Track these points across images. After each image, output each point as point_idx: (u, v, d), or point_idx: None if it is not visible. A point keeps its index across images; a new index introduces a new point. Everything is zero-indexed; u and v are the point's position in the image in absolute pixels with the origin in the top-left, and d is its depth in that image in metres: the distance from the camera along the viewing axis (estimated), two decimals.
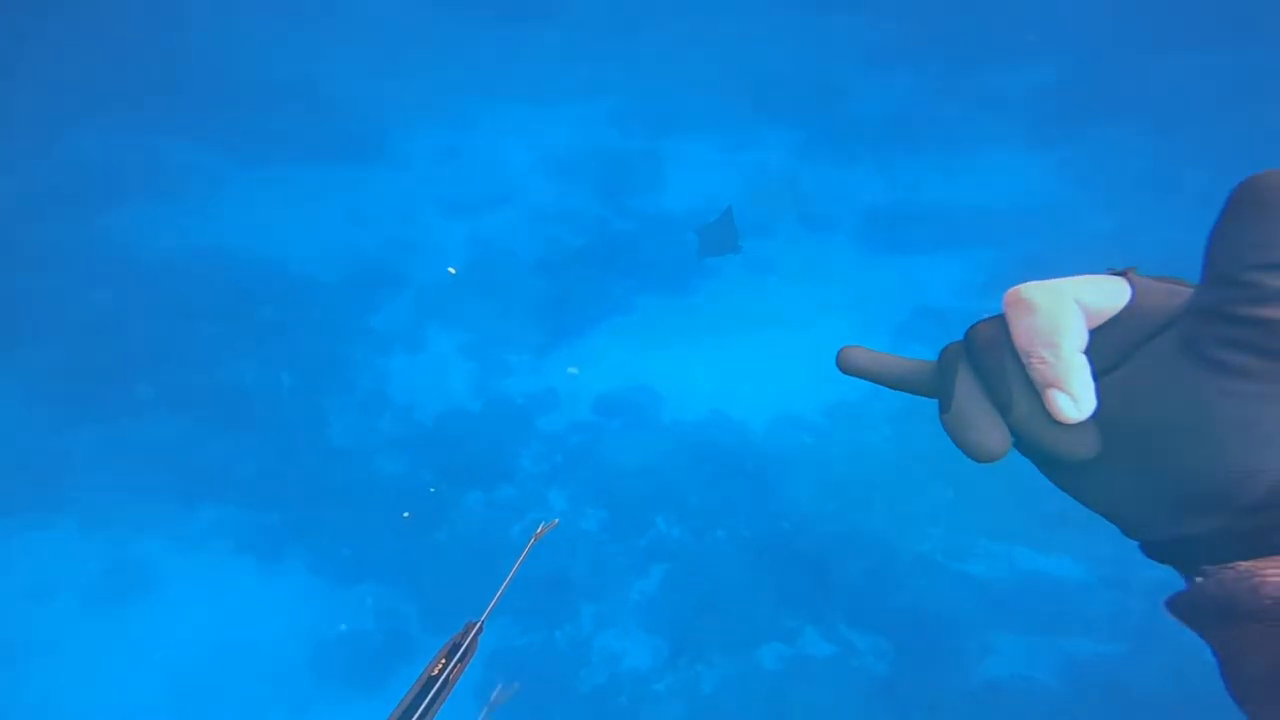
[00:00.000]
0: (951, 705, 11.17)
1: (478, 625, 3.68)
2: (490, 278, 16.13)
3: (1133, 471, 0.89)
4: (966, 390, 0.99)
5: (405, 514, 12.63)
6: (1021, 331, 0.90)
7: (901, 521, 12.76)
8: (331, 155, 18.87)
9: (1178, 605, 0.93)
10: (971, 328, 1.01)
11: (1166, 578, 1.00)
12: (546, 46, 21.91)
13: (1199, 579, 0.88)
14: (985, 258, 16.93)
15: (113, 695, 11.11)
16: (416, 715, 3.03)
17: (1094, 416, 0.87)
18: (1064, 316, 0.86)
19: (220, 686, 11.15)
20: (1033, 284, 0.90)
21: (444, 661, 3.40)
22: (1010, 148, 19.82)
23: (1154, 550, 0.95)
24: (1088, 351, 0.87)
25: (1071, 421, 0.87)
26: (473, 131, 19.42)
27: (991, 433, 0.96)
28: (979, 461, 1.02)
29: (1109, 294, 0.88)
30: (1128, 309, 0.88)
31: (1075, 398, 0.86)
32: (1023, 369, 0.90)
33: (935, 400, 1.09)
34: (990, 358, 0.95)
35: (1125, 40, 21.95)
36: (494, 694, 3.78)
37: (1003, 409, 0.95)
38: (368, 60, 21.30)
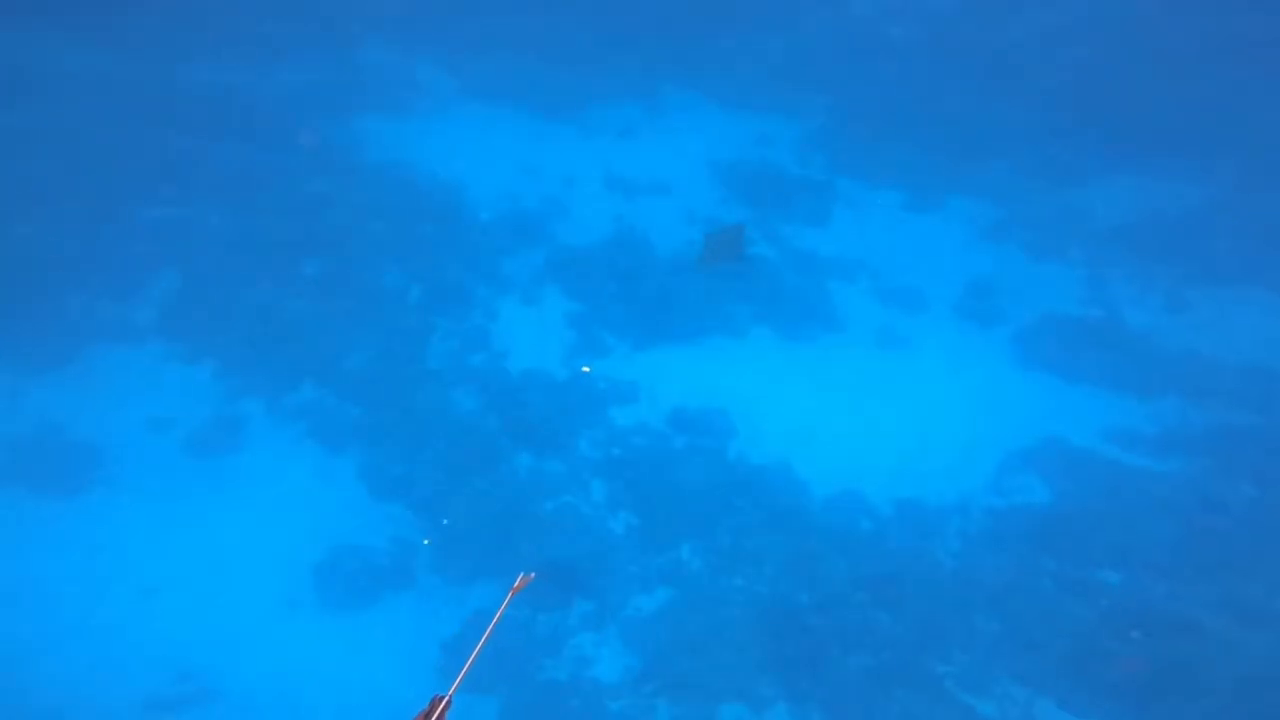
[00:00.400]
0: None
1: (445, 699, 3.64)
2: (621, 260, 16.41)
3: None
4: None
5: (426, 541, 12.79)
6: None
7: (926, 634, 11.85)
8: (541, 108, 19.90)
9: None
10: None
11: None
12: (764, 55, 21.70)
13: None
14: (1168, 409, 15.00)
15: (161, 527, 12.60)
16: None
17: None
18: None
19: (239, 554, 12.28)
20: None
21: None
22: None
23: None
24: None
25: None
26: (659, 116, 19.73)
27: None
28: None
29: None
30: None
31: None
32: None
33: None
34: None
35: None
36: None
37: None
38: (608, 27, 22.01)
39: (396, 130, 19.11)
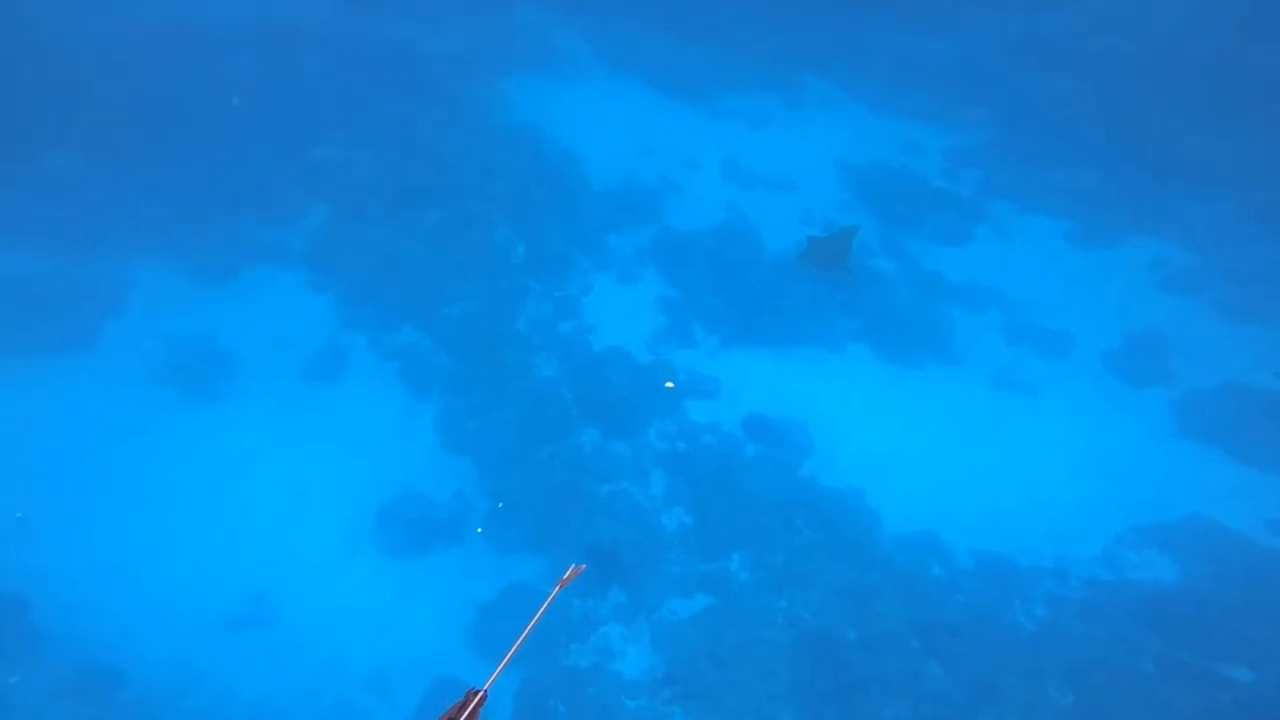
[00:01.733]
0: None
1: (481, 694, 3.59)
2: (728, 250, 15.83)
3: None
4: None
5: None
6: None
7: (983, 694, 10.75)
8: (674, 87, 19.55)
9: None
10: None
11: None
12: (926, 57, 20.16)
13: None
14: None
15: (266, 447, 13.42)
16: None
17: None
18: None
19: (320, 484, 12.87)
20: None
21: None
22: None
23: None
24: None
25: None
26: (796, 109, 18.83)
27: None
28: None
29: None
30: None
31: None
32: None
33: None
34: None
35: None
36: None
37: None
38: (758, 10, 21.32)
39: (532, 93, 19.37)
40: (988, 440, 13.85)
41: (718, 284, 15.32)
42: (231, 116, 18.24)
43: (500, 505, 12.54)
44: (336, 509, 12.70)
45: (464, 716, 3.25)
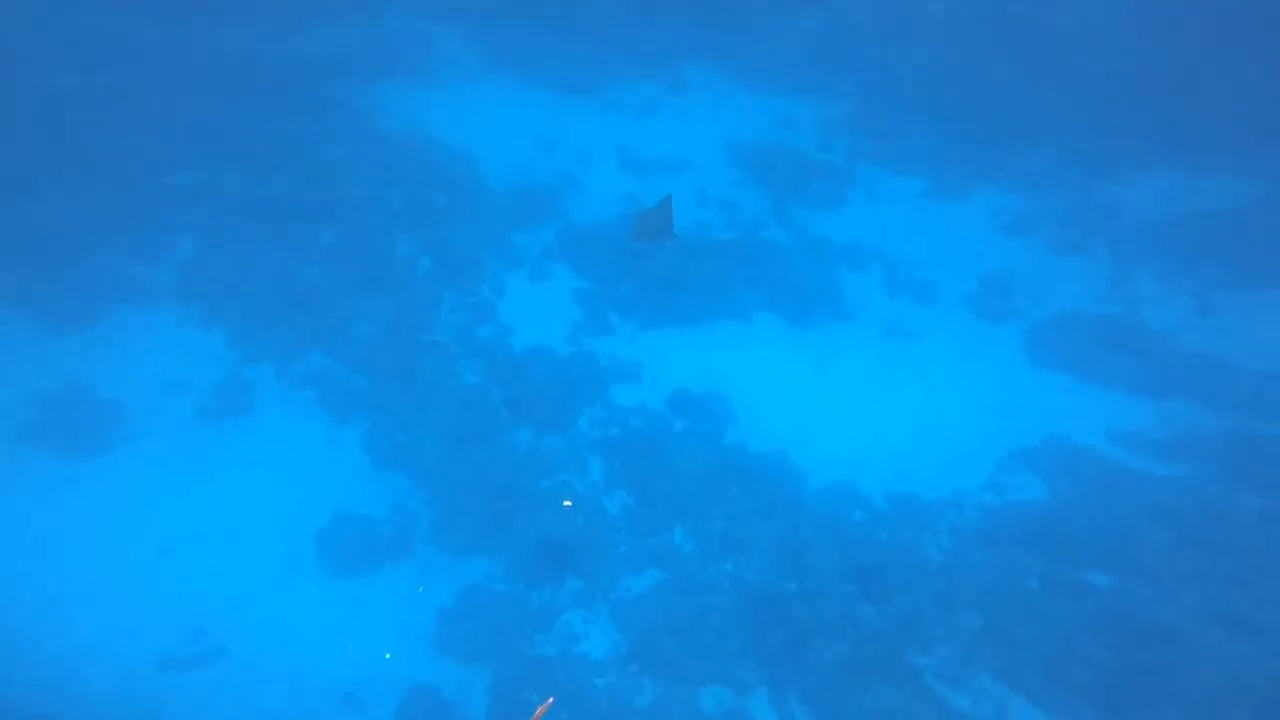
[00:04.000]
0: None
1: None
2: (635, 242, 16.02)
3: None
4: None
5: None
6: None
7: (909, 627, 11.68)
8: (560, 83, 19.33)
9: None
10: None
11: None
12: (795, 36, 20.88)
13: None
14: (1181, 413, 14.44)
15: (175, 487, 12.63)
16: None
17: None
18: None
19: (248, 516, 12.33)
20: None
21: None
22: None
23: None
24: None
25: None
26: (679, 95, 19.14)
27: None
28: None
29: None
30: None
31: None
32: None
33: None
34: None
35: None
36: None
37: None
38: (634, 3, 21.24)
39: (416, 99, 18.73)
40: (884, 387, 14.79)
41: (627, 270, 15.51)
42: (66, 143, 16.46)
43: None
44: (272, 539, 12.19)
45: None
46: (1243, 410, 14.31)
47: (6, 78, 17.18)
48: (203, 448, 13.10)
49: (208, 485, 12.67)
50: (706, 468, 13.19)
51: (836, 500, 13.09)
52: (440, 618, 11.56)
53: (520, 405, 13.70)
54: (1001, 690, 11.13)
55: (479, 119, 18.18)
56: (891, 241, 17.19)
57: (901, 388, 14.84)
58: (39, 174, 15.85)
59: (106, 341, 14.12)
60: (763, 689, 11.14)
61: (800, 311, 15.50)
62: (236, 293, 14.92)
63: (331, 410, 13.67)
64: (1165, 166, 18.69)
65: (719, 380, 14.29)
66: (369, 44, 19.58)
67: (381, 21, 20.07)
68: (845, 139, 18.95)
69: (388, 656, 11.15)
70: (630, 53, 19.89)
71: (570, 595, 11.88)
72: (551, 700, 3.66)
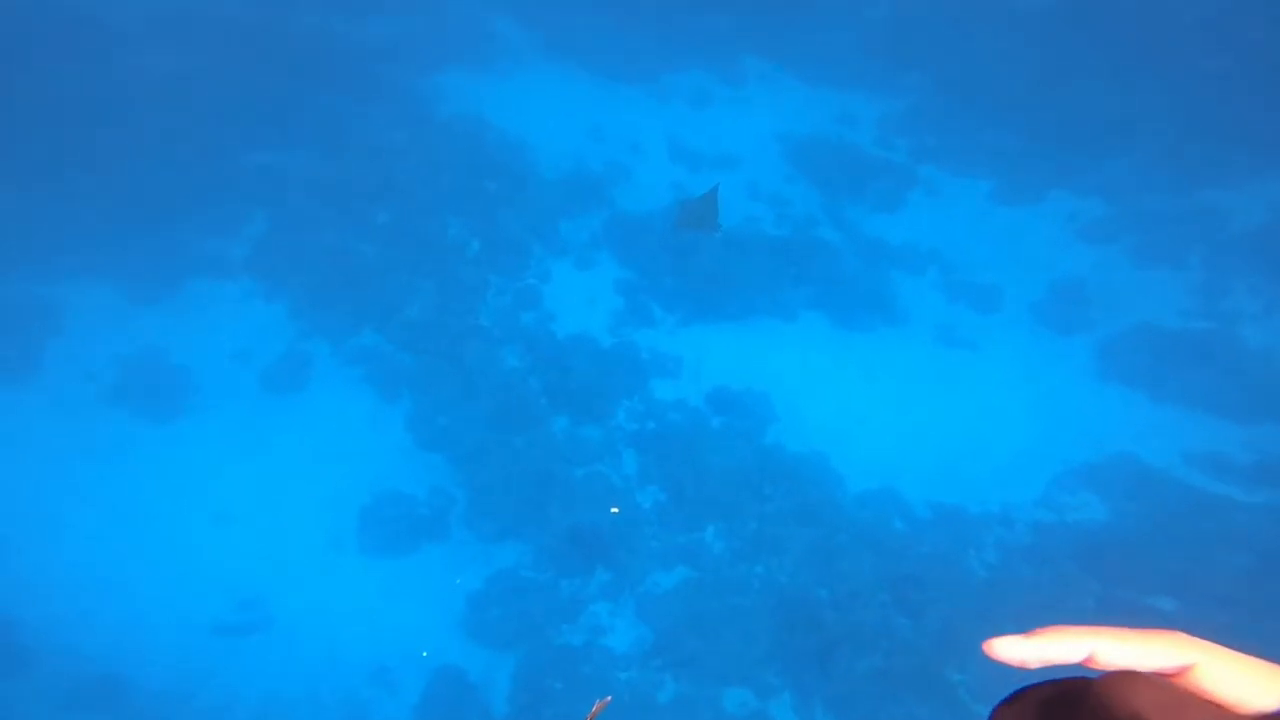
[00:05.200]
0: None
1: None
2: (678, 231, 16.12)
3: None
4: None
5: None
6: None
7: (946, 641, 11.49)
8: (614, 71, 19.49)
9: None
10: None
11: None
12: (861, 26, 20.57)
13: None
14: (1269, 437, 13.79)
15: (234, 457, 13.30)
16: None
17: None
18: None
19: (298, 490, 12.84)
20: None
21: None
22: None
23: None
24: None
25: None
26: (734, 86, 19.05)
27: None
28: None
29: None
30: None
31: None
32: None
33: None
34: None
35: None
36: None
37: None
38: None
39: (472, 85, 19.08)
40: (935, 395, 14.56)
41: (672, 263, 15.58)
42: (153, 121, 17.44)
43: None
44: (318, 514, 12.67)
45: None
46: None
47: (104, 57, 18.27)
48: (262, 419, 13.66)
49: (264, 457, 13.22)
50: (742, 467, 13.21)
51: (876, 507, 12.97)
52: (469, 602, 11.89)
53: (559, 393, 13.93)
54: None
55: (532, 106, 18.46)
56: (952, 245, 16.82)
57: (953, 396, 14.57)
58: (129, 151, 16.82)
59: (182, 310, 14.80)
60: (787, 693, 11.15)
61: (849, 313, 15.33)
62: (299, 268, 15.47)
63: (379, 388, 14.12)
64: (1267, 176, 17.66)
65: (760, 379, 14.24)
66: (430, 30, 20.02)
67: (443, 8, 20.60)
68: (908, 137, 18.63)
69: (425, 655, 11.45)
70: (687, 43, 19.87)
71: (598, 587, 12.06)
72: (609, 699, 3.77)
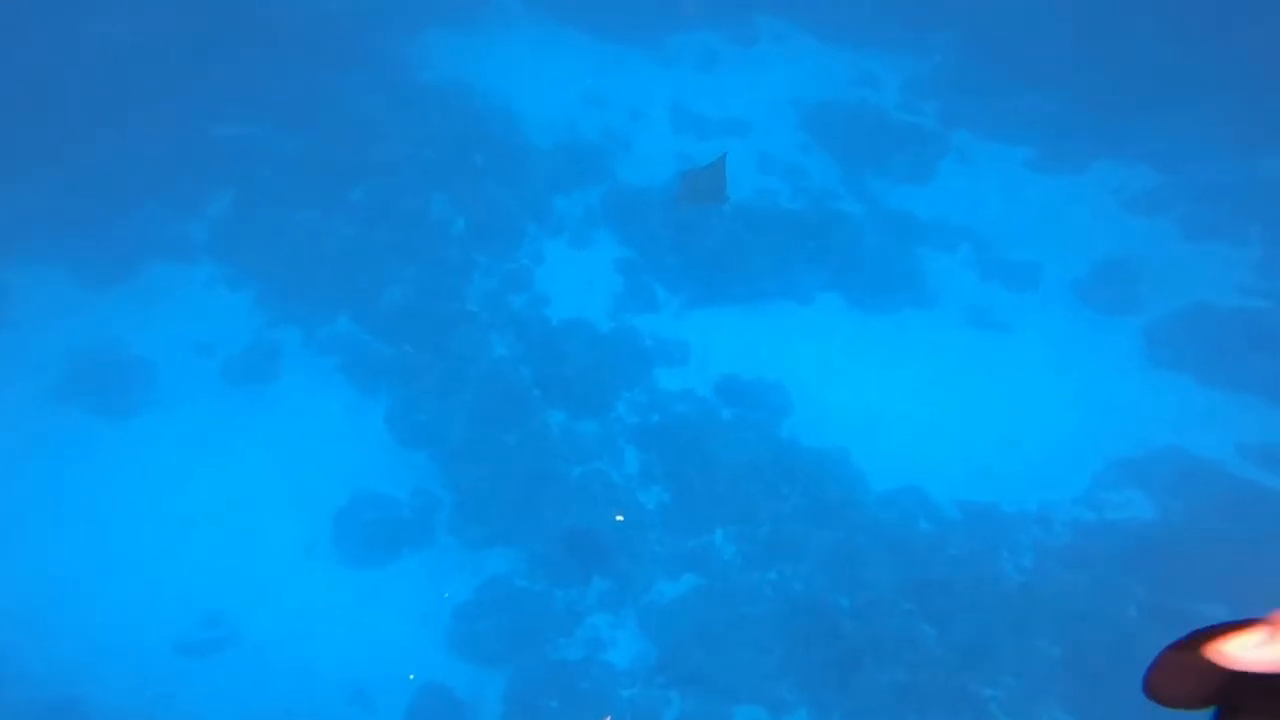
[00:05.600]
0: None
1: None
2: (683, 205, 15.73)
3: None
4: None
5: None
6: None
7: (975, 653, 11.24)
8: (614, 31, 19.01)
9: None
10: None
11: None
12: None
13: None
14: None
15: (199, 455, 13.02)
16: None
17: None
18: None
19: (267, 491, 12.57)
20: None
21: None
22: None
23: None
24: None
25: None
26: (745, 46, 18.60)
27: None
28: None
29: None
30: None
31: None
32: None
33: None
34: None
35: None
36: None
37: None
38: None
39: (457, 47, 18.65)
40: (966, 383, 14.20)
41: (676, 241, 15.21)
42: (108, 92, 17.08)
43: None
44: (290, 518, 12.43)
45: None
46: None
47: (56, 23, 17.92)
48: (228, 415, 13.42)
49: (230, 455, 12.98)
50: (755, 463, 12.87)
51: (901, 507, 12.64)
52: (457, 613, 11.64)
53: (553, 384, 13.61)
54: None
55: (523, 70, 18.01)
56: (986, 219, 16.40)
57: (985, 384, 14.21)
58: (82, 124, 16.49)
59: (140, 297, 14.55)
60: (803, 710, 10.90)
61: (871, 294, 14.95)
62: (267, 251, 15.19)
63: (356, 381, 13.83)
64: None
65: (774, 367, 13.90)
66: None
67: None
68: (936, 100, 18.13)
69: (411, 678, 11.21)
70: None
71: (597, 596, 11.79)
72: (609, 718, 3.64)
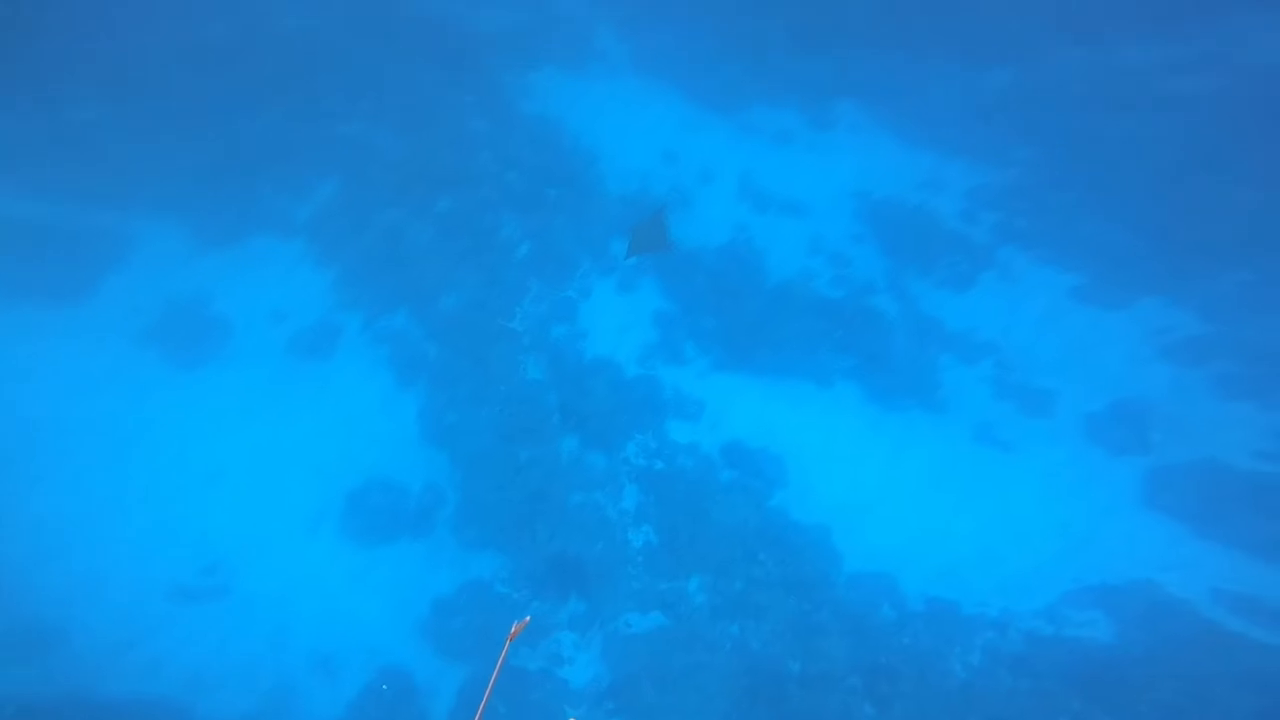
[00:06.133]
0: None
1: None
2: (728, 272, 16.84)
3: None
4: None
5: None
6: None
7: None
8: (701, 95, 20.31)
9: None
10: None
11: None
12: (977, 89, 20.80)
13: None
14: None
15: (246, 415, 14.69)
16: None
17: None
18: None
19: (293, 459, 14.10)
20: None
21: None
22: None
23: None
24: None
25: None
26: (821, 130, 19.59)
27: None
28: None
29: None
30: None
31: None
32: None
33: None
34: None
35: None
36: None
37: None
38: (802, 24, 21.92)
39: (562, 86, 20.35)
40: (957, 490, 14.81)
41: (716, 304, 16.34)
42: (263, 79, 19.33)
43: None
44: (307, 487, 13.87)
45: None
46: None
47: (233, 8, 20.39)
48: (279, 382, 15.04)
49: (270, 420, 14.57)
50: (742, 525, 13.84)
51: (868, 591, 13.42)
52: (435, 606, 12.83)
53: (573, 414, 14.84)
54: None
55: (612, 117, 19.51)
56: (1015, 339, 16.97)
57: (976, 495, 14.82)
58: (234, 100, 18.79)
59: (239, 263, 16.47)
60: None
61: (887, 390, 15.76)
62: (354, 239, 16.94)
63: (399, 372, 15.32)
64: None
65: (780, 440, 14.85)
66: (535, 25, 21.46)
67: (553, 6, 21.99)
68: (996, 212, 18.83)
69: (385, 688, 12.15)
70: (782, 76, 20.56)
71: (569, 616, 12.86)
72: (529, 619, 4.32)
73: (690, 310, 16.37)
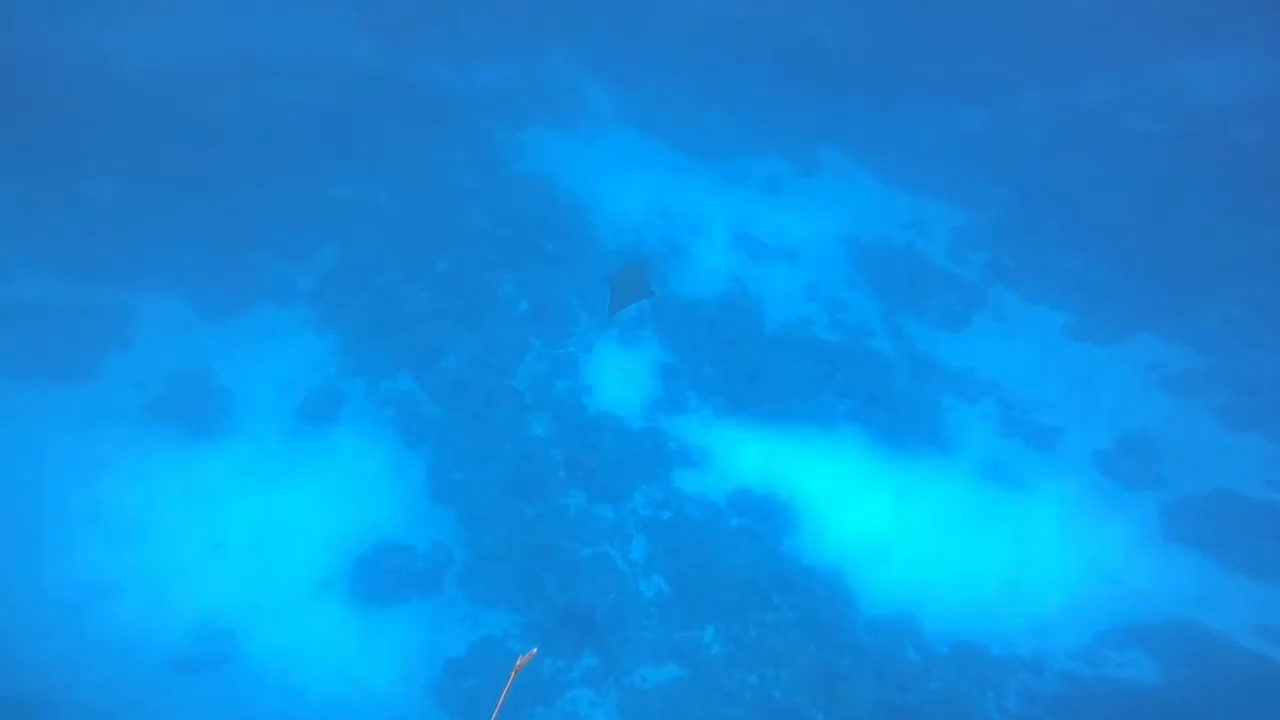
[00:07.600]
0: None
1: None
2: (726, 321, 17.39)
3: None
4: None
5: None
6: None
7: None
8: (690, 147, 21.33)
9: None
10: None
11: None
12: (955, 130, 21.92)
13: None
14: None
15: (251, 483, 14.88)
16: None
17: None
18: None
19: (302, 525, 14.16)
20: None
21: None
22: None
23: None
24: None
25: None
26: (808, 177, 20.53)
27: None
28: None
29: None
30: None
31: None
32: None
33: None
34: None
35: None
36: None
37: None
38: (784, 74, 23.20)
39: (551, 144, 21.24)
40: (972, 530, 15.08)
41: (716, 353, 16.85)
42: (259, 144, 20.17)
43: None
44: (314, 552, 13.87)
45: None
46: None
47: (231, 84, 21.36)
48: (286, 450, 15.16)
49: (276, 487, 14.63)
50: (754, 571, 14.01)
51: (889, 634, 13.51)
52: (446, 667, 12.80)
53: (579, 468, 15.13)
54: None
55: (603, 172, 20.33)
56: (1015, 376, 17.52)
57: (991, 534, 15.06)
58: (230, 171, 19.50)
59: (242, 333, 16.77)
60: None
61: (891, 432, 16.14)
62: (355, 304, 17.36)
63: (404, 435, 15.58)
64: None
65: (787, 485, 15.11)
66: (525, 84, 22.55)
67: (541, 65, 23.19)
68: (983, 252, 19.66)
69: None
70: (766, 125, 21.61)
71: (583, 672, 12.88)
72: (535, 651, 4.47)
73: (691, 360, 16.83)
